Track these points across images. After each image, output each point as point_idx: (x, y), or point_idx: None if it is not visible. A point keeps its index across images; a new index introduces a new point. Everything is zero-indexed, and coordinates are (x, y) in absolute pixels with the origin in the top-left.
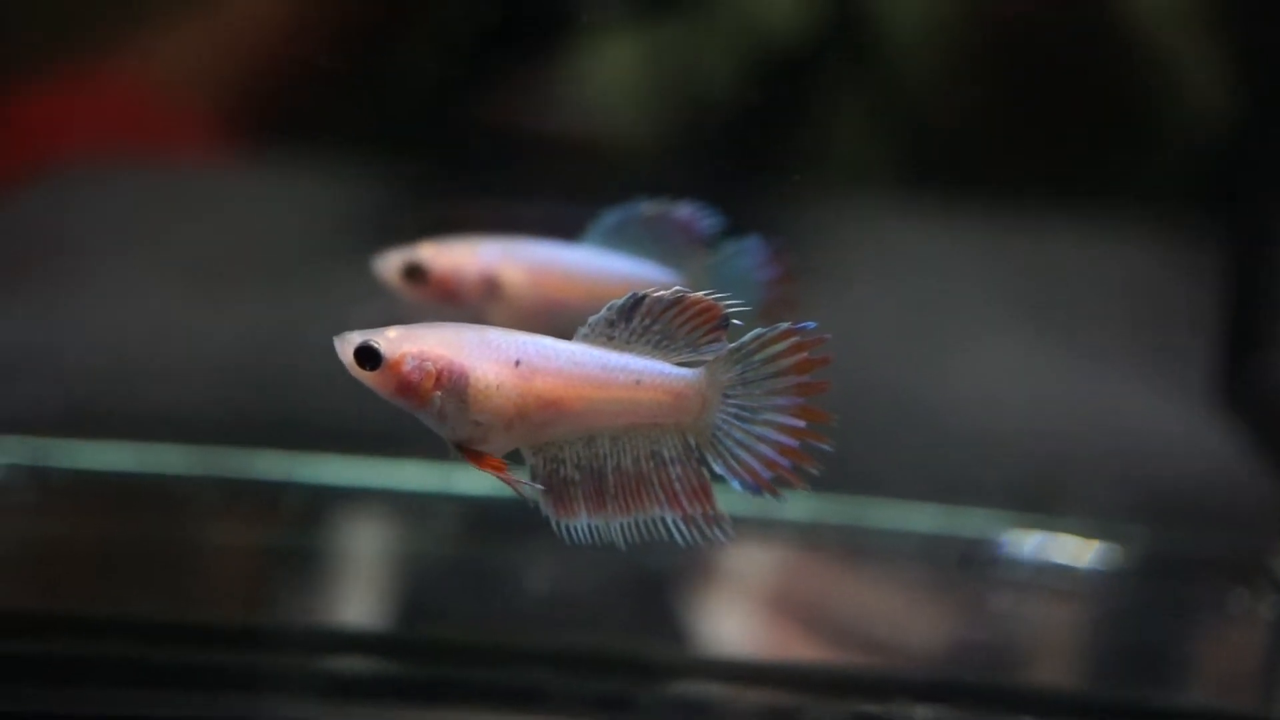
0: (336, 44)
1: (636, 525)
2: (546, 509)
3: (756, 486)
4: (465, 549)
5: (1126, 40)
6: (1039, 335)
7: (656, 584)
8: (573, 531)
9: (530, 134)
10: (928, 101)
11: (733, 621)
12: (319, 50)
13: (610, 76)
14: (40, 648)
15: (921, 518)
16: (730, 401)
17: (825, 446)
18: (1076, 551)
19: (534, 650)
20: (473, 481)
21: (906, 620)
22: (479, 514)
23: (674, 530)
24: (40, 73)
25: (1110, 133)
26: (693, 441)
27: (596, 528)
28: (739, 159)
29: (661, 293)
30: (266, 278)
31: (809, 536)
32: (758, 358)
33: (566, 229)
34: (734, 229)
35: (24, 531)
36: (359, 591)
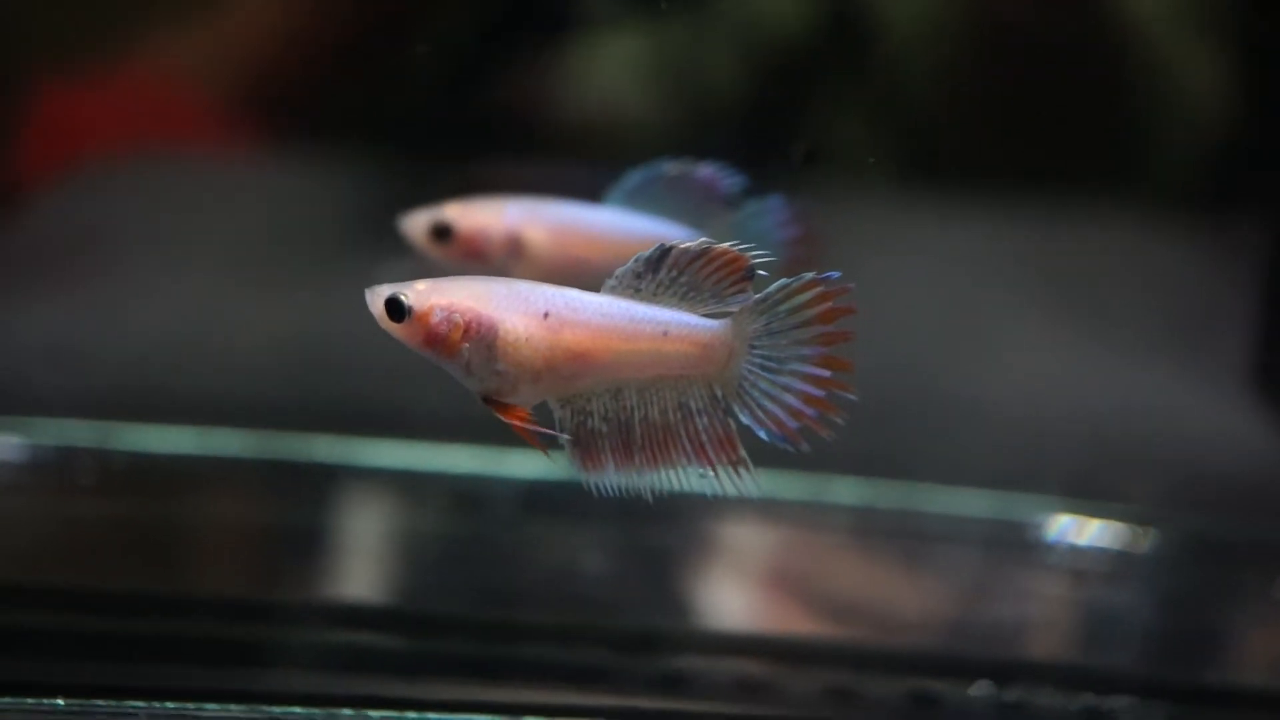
0: (356, 33)
1: (664, 477)
2: (574, 462)
3: (783, 436)
4: (517, 531)
5: (1145, 32)
6: (1078, 328)
7: (701, 566)
8: (600, 485)
9: (538, 126)
10: (934, 94)
11: (784, 604)
12: (339, 39)
13: (615, 69)
14: (98, 625)
15: (968, 503)
16: (756, 352)
17: (850, 396)
18: (1121, 537)
19: (585, 629)
20: (523, 465)
21: (955, 602)
22: (528, 497)
23: (701, 482)
24: (68, 71)
25: (1140, 127)
26: (719, 392)
27: (624, 480)
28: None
29: (688, 244)
30: (309, 265)
31: (856, 521)
32: (783, 308)
33: (590, 190)
34: (755, 189)
35: (84, 512)
36: (406, 572)
